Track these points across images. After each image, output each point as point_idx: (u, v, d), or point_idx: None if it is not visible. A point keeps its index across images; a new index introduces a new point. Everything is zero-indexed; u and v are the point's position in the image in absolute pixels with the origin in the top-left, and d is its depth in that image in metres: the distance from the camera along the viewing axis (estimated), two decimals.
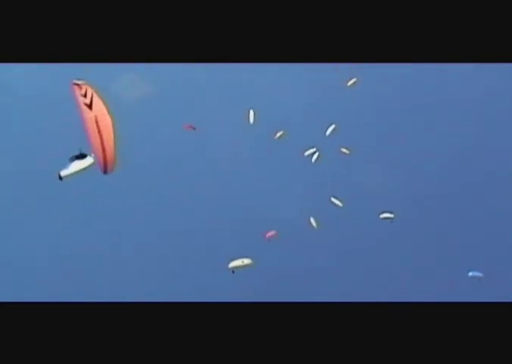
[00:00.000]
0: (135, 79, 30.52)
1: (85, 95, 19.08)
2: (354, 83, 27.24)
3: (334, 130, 27.27)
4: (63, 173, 22.38)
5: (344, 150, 27.49)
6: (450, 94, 31.48)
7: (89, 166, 21.91)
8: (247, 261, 25.96)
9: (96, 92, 19.20)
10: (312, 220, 26.88)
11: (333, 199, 27.17)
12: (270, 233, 26.87)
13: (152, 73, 29.96)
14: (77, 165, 21.97)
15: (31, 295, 26.98)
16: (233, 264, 25.99)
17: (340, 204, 27.20)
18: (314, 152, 27.38)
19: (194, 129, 26.33)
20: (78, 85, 19.00)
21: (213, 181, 30.78)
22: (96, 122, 19.30)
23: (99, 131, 19.41)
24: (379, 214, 26.95)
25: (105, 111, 19.35)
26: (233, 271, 26.04)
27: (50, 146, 30.66)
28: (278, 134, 27.42)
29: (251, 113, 26.66)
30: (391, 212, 26.78)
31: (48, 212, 30.37)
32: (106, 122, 19.43)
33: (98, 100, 19.23)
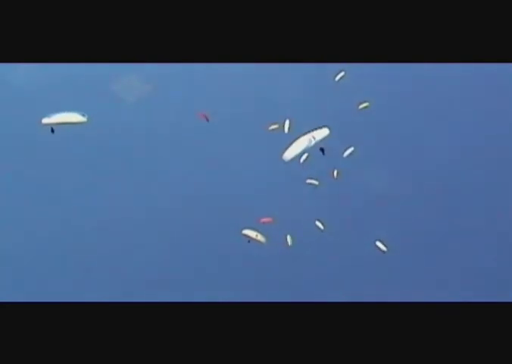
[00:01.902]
0: (135, 79, 30.52)
1: None
2: (366, 107, 27.32)
3: (352, 152, 27.34)
4: (45, 120, 23.39)
5: (334, 173, 27.49)
6: (450, 94, 31.46)
7: (78, 122, 22.88)
8: (261, 237, 25.74)
9: None
10: (288, 237, 26.84)
11: (317, 223, 27.14)
12: (266, 219, 26.73)
13: (152, 73, 29.95)
14: (63, 117, 23.05)
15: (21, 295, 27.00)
16: (247, 232, 25.70)
17: (322, 227, 27.14)
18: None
19: (207, 120, 26.28)
20: None
21: (212, 182, 30.75)
22: None
23: None
24: (375, 241, 27.06)
25: None
26: (249, 241, 25.83)
27: (49, 146, 30.64)
28: (272, 127, 27.42)
29: (287, 122, 26.64)
30: (384, 245, 26.87)
31: (48, 211, 30.37)
32: None
33: None
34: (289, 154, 24.45)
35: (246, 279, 29.35)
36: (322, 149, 24.43)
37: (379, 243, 26.63)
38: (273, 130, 27.27)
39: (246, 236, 25.89)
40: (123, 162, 30.75)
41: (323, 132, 24.41)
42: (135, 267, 29.80)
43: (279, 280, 29.48)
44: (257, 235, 25.86)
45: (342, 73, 27.22)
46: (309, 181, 27.32)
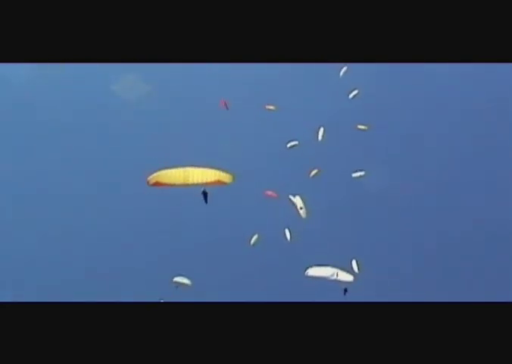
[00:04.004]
0: (135, 79, 30.52)
1: None
2: (365, 129, 27.74)
3: (361, 175, 27.61)
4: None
5: (313, 172, 27.50)
6: (449, 94, 31.47)
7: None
8: (303, 212, 25.57)
9: None
10: (254, 237, 26.90)
11: (295, 199, 27.08)
12: (271, 193, 26.64)
13: (152, 73, 29.95)
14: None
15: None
16: (296, 200, 25.53)
17: (289, 237, 27.26)
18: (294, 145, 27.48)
19: (227, 108, 26.33)
20: None
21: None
22: None
23: None
24: (352, 260, 26.99)
25: None
26: (301, 207, 25.64)
27: (49, 146, 30.63)
28: (269, 107, 27.44)
29: (321, 130, 26.83)
30: (358, 267, 26.80)
31: (46, 211, 30.36)
32: None
33: None
34: (311, 272, 25.37)
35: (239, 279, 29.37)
36: (345, 290, 25.29)
37: (354, 263, 26.55)
38: (269, 109, 27.25)
39: (293, 203, 25.64)
40: (123, 162, 30.75)
41: (348, 277, 25.45)
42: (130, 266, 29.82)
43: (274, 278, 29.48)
44: (301, 208, 25.70)
45: (345, 68, 27.32)
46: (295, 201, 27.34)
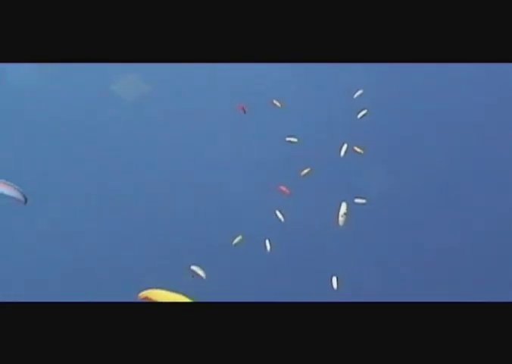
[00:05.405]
0: (135, 79, 30.56)
1: None
2: (361, 152, 27.75)
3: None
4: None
5: (304, 172, 27.47)
6: (450, 94, 31.51)
7: None
8: (342, 220, 25.38)
9: None
10: (238, 237, 26.83)
11: (266, 242, 26.99)
12: (284, 189, 26.62)
13: (152, 73, 30.00)
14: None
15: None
16: (342, 206, 25.32)
17: (269, 247, 27.17)
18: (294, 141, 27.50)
19: (244, 112, 26.42)
20: None
21: (212, 185, 30.77)
22: None
23: None
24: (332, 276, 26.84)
25: None
26: (345, 213, 25.50)
27: (48, 146, 30.68)
28: (275, 102, 27.52)
29: (345, 146, 26.95)
30: (338, 283, 26.69)
31: (46, 212, 30.39)
32: None
33: None
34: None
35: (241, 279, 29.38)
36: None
37: (334, 279, 26.41)
38: (274, 105, 27.27)
39: (339, 209, 25.52)
40: (123, 162, 30.80)
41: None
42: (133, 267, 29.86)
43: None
44: (344, 214, 25.52)
45: (360, 92, 27.44)
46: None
